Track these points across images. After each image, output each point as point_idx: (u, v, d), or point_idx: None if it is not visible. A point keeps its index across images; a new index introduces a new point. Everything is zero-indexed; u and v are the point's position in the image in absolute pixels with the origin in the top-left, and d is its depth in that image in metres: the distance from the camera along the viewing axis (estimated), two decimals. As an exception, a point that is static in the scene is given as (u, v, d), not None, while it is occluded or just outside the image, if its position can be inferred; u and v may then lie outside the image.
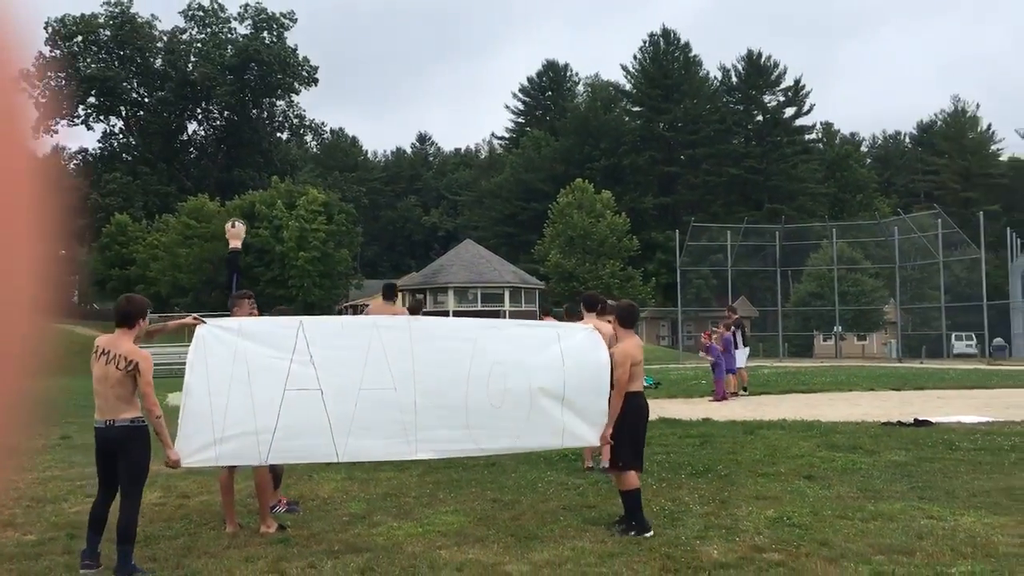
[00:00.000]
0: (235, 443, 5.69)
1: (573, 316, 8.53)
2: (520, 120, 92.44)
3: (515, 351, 6.30)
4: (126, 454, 5.54)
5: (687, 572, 5.36)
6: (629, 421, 6.44)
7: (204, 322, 6.11)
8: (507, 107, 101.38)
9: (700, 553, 5.76)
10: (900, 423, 11.91)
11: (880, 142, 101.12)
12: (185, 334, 7.31)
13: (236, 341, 5.88)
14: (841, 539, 6.05)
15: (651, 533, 6.24)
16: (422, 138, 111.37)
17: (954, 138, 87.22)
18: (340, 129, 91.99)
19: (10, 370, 0.43)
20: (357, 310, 67.60)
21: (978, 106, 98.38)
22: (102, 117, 65.59)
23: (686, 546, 5.94)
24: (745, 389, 18.41)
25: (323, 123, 74.51)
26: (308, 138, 74.57)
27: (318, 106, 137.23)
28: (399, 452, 6.18)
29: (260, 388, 5.73)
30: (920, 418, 12.18)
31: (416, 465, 9.03)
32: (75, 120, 63.93)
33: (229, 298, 7.41)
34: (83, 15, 61.83)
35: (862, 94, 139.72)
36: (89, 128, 65.41)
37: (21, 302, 0.43)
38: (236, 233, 7.47)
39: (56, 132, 64.07)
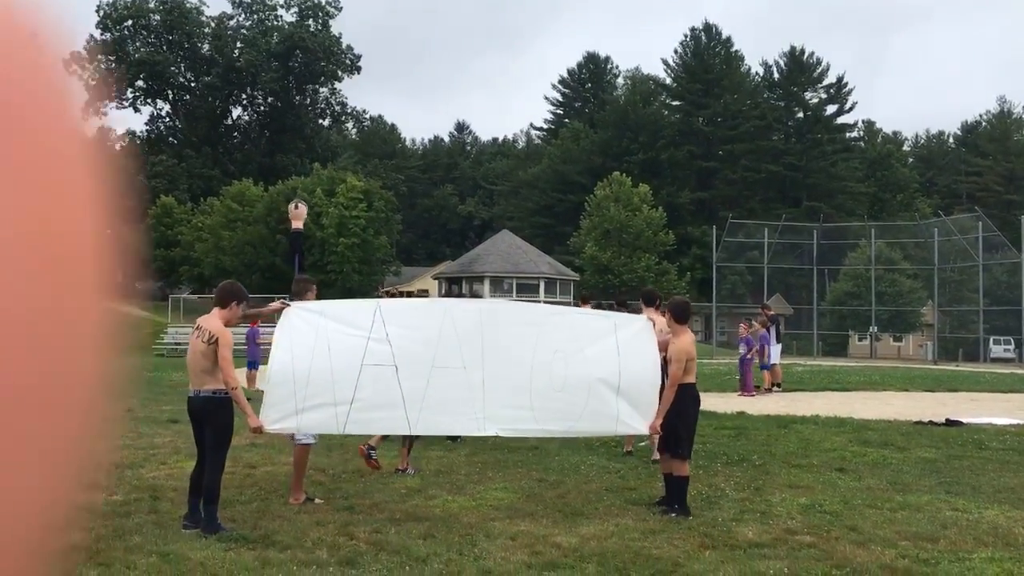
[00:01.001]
0: (315, 413, 6.21)
1: (629, 309, 8.95)
2: (559, 111, 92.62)
3: (576, 339, 6.72)
4: (209, 422, 6.09)
5: (724, 549, 5.79)
6: (687, 411, 6.86)
7: (289, 304, 6.64)
8: (546, 98, 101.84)
9: (736, 533, 6.18)
10: (931, 422, 12.18)
11: (923, 142, 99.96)
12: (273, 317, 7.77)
13: (318, 320, 6.41)
14: (869, 526, 6.43)
15: (691, 518, 6.66)
16: (460, 127, 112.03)
17: (999, 139, 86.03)
18: (379, 116, 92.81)
19: (85, 358, 0.30)
20: (397, 296, 68.48)
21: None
22: (149, 100, 66.97)
23: (723, 527, 6.36)
24: (779, 385, 18.68)
25: (364, 110, 75.39)
26: (349, 125, 75.48)
27: (358, 92, 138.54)
28: (467, 428, 6.66)
29: (339, 363, 6.23)
30: (951, 418, 12.45)
31: (464, 445, 9.54)
32: (123, 103, 65.37)
33: (294, 280, 7.82)
34: (134, 0, 63.05)
35: (907, 92, 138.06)
36: (137, 111, 66.90)
37: (88, 287, 0.43)
38: (299, 214, 7.92)
39: (105, 114, 65.40)
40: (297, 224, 8.13)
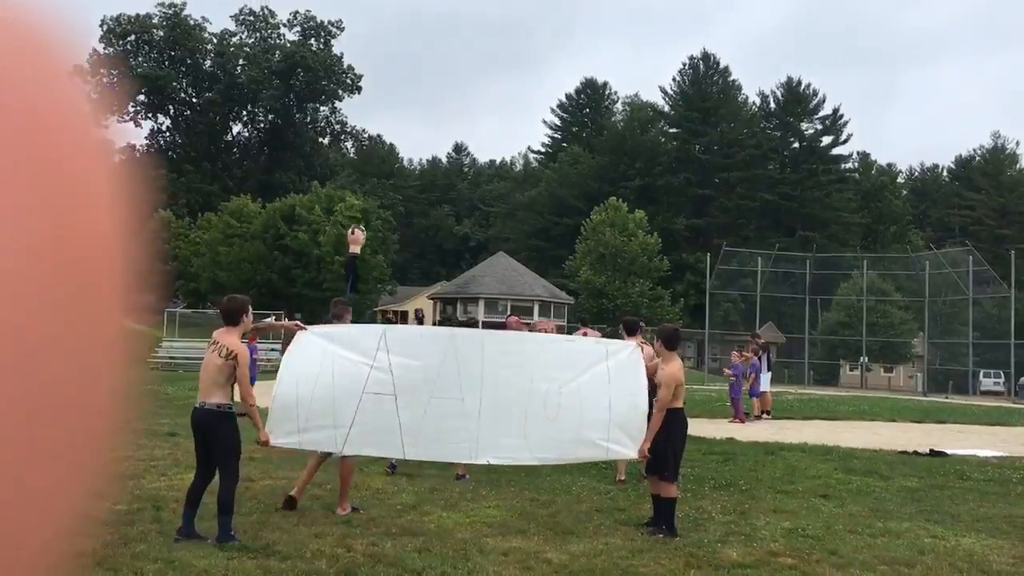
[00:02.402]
0: (316, 433, 6.46)
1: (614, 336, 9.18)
2: (557, 136, 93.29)
3: (571, 367, 6.95)
4: (214, 434, 6.28)
5: (709, 569, 6.00)
6: (675, 435, 7.11)
7: (305, 329, 6.88)
8: (544, 122, 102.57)
9: (721, 554, 6.40)
10: (916, 452, 12.42)
11: (917, 174, 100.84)
12: (271, 335, 7.96)
13: (326, 345, 6.66)
14: (850, 550, 6.66)
15: (677, 538, 6.88)
16: (458, 148, 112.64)
17: (992, 174, 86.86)
18: (378, 136, 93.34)
19: (104, 364, 0.46)
20: (381, 316, 68.57)
21: (1018, 143, 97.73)
22: (150, 115, 67.39)
23: (708, 548, 6.58)
24: (768, 413, 18.91)
25: (363, 130, 75.88)
26: (348, 144, 75.99)
27: (358, 111, 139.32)
28: (460, 455, 6.90)
29: (342, 388, 6.49)
30: (936, 449, 12.68)
31: (456, 464, 9.74)
32: (124, 117, 65.71)
33: (333, 302, 8.07)
34: (137, 15, 63.66)
35: (902, 125, 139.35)
36: (137, 125, 67.21)
37: (108, 292, 0.44)
38: (356, 239, 8.15)
39: (106, 128, 65.56)
40: (354, 248, 8.34)
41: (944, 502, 8.89)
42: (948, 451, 12.67)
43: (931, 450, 12.58)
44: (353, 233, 7.96)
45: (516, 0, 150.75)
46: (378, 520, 7.04)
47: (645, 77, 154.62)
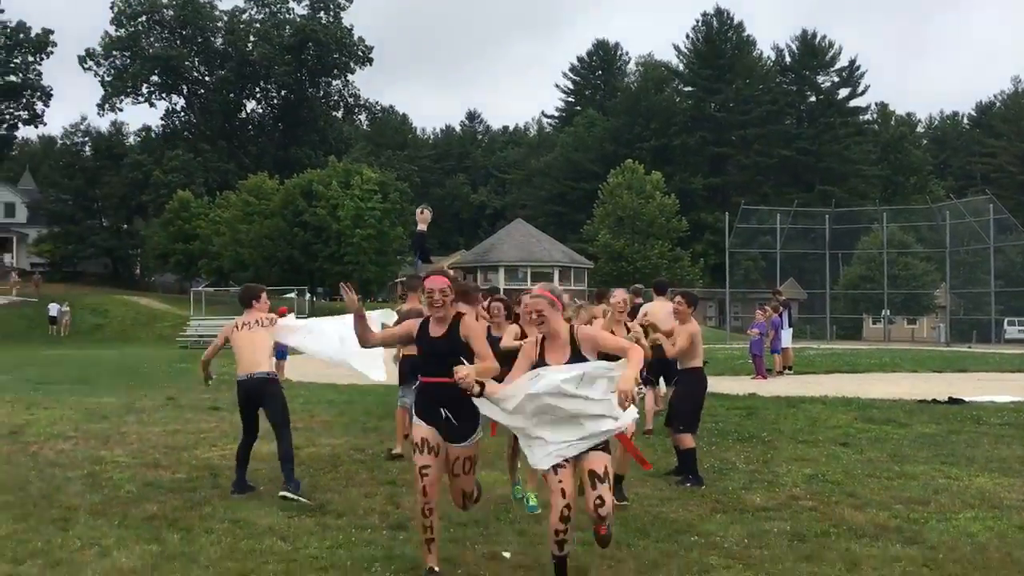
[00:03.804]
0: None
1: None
2: (570, 99, 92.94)
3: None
4: (270, 397, 6.95)
5: (733, 513, 6.41)
6: (694, 392, 7.55)
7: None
8: (557, 86, 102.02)
9: (744, 500, 6.80)
10: (935, 401, 12.74)
11: (937, 123, 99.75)
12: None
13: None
14: (867, 492, 7.04)
15: (704, 487, 7.29)
16: (471, 115, 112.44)
17: (1013, 120, 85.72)
18: (390, 107, 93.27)
19: None
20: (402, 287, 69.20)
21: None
22: (164, 95, 67.78)
23: (733, 495, 6.98)
24: (790, 368, 19.26)
25: (376, 102, 75.92)
26: (362, 117, 76.07)
27: (369, 82, 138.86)
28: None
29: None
30: (954, 396, 13.00)
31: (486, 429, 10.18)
32: (139, 98, 66.13)
33: (409, 277, 8.79)
34: (148, -4, 63.75)
35: (922, 73, 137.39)
36: (152, 105, 67.80)
37: None
38: (424, 218, 8.52)
39: (121, 110, 66.24)
40: (422, 226, 8.73)
41: (960, 446, 9.23)
42: (966, 398, 12.97)
43: (949, 398, 12.90)
44: (422, 212, 8.37)
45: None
46: (421, 479, 7.48)
47: (658, 36, 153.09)
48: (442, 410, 4.74)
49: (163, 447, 9.13)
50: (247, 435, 7.09)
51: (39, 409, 12.18)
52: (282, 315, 7.93)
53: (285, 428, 6.93)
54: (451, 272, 4.79)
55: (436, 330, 4.83)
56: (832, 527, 5.94)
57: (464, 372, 4.34)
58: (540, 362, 4.60)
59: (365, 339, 5.09)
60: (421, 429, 4.83)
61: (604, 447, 4.51)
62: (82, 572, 4.92)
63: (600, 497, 4.35)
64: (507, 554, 5.35)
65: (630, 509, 6.49)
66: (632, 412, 4.67)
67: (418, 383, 4.96)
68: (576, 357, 4.54)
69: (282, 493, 6.74)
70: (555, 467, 4.46)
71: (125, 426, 10.62)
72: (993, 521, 6.12)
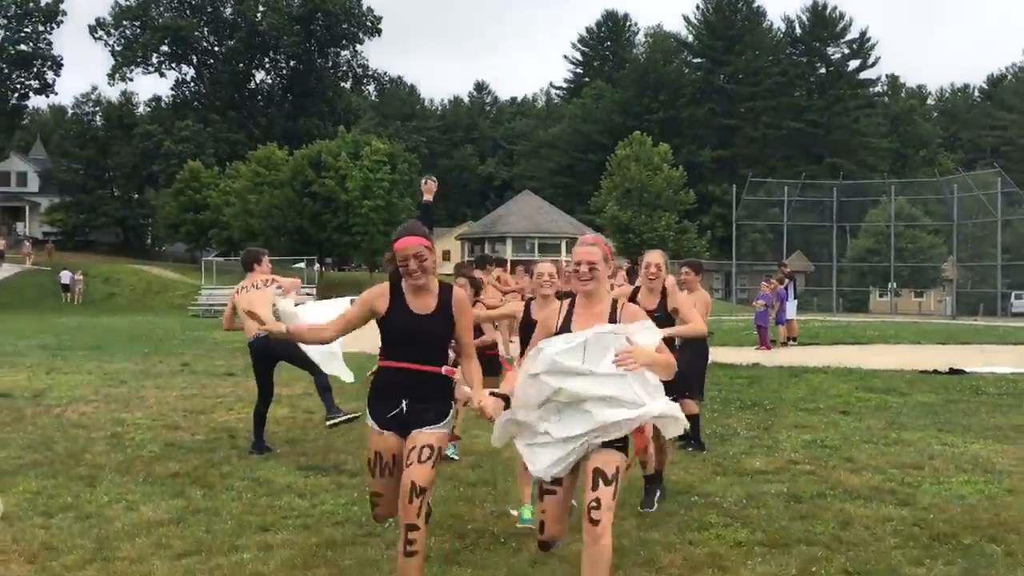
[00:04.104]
0: None
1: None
2: (579, 70, 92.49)
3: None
4: (285, 348, 6.97)
5: (734, 476, 6.65)
6: (700, 358, 7.70)
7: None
8: (566, 57, 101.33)
9: (744, 463, 7.04)
10: (936, 371, 12.95)
11: (948, 95, 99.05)
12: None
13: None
14: (864, 457, 7.27)
15: (706, 451, 7.53)
16: (479, 86, 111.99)
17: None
18: (399, 77, 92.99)
19: None
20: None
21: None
22: (174, 65, 67.77)
23: (733, 459, 7.22)
24: (794, 339, 19.48)
25: (384, 72, 75.78)
26: (370, 88, 75.98)
27: (377, 52, 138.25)
28: None
29: None
30: (955, 367, 13.20)
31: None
32: (149, 68, 66.14)
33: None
34: (157, -34, 63.58)
35: (933, 45, 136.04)
36: (162, 75, 67.69)
37: None
38: (429, 188, 8.67)
39: (131, 80, 66.21)
40: (427, 197, 8.90)
41: (957, 415, 9.45)
42: (967, 369, 13.17)
43: (950, 368, 13.10)
44: (426, 183, 8.53)
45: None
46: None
47: (667, 7, 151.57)
48: (403, 402, 3.79)
49: (182, 410, 9.40)
50: (262, 397, 7.35)
51: (59, 374, 12.48)
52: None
53: (313, 365, 7.16)
54: (424, 229, 3.86)
55: (418, 304, 3.84)
56: (828, 489, 6.18)
57: (466, 395, 3.80)
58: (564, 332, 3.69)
59: (318, 340, 4.21)
60: (374, 438, 3.89)
61: (621, 444, 3.61)
62: (111, 524, 5.18)
63: (598, 499, 3.45)
64: (515, 512, 5.60)
65: (632, 471, 6.73)
66: (663, 403, 3.61)
67: (376, 369, 4.00)
68: None
69: (328, 422, 7.34)
70: (543, 490, 3.73)
71: (143, 390, 10.91)
72: (984, 485, 6.34)
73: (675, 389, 7.90)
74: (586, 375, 3.49)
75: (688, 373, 7.74)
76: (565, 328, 3.71)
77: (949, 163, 72.24)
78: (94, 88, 69.52)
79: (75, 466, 6.72)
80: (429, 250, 3.80)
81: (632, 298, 5.97)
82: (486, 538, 5.07)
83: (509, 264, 18.36)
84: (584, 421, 3.52)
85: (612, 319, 3.68)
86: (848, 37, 79.79)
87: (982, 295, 44.83)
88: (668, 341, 4.89)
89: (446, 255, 61.67)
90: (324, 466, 6.79)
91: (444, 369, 3.83)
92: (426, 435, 3.75)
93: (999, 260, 39.27)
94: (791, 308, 19.59)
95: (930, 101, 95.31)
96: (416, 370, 3.78)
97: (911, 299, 55.02)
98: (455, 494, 6.07)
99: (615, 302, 3.79)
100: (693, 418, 7.70)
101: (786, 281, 19.40)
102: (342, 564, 4.56)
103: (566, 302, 3.86)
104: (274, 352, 7.19)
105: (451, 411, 3.90)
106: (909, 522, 5.37)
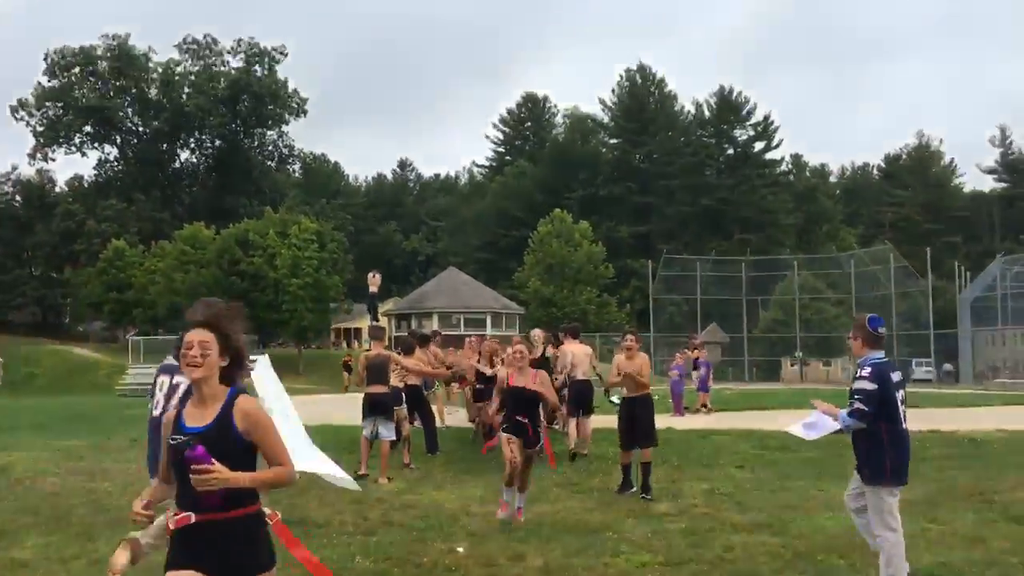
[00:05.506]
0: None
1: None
2: (500, 149, 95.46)
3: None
4: None
5: (643, 517, 7.92)
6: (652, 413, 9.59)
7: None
8: (487, 136, 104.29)
9: (652, 508, 8.33)
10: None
11: (848, 173, 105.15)
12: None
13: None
14: (752, 501, 8.63)
15: (635, 489, 8.91)
16: (403, 164, 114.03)
17: (918, 172, 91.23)
18: (322, 155, 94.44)
19: None
20: (346, 333, 69.61)
21: (941, 141, 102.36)
22: (97, 145, 67.84)
23: (643, 504, 8.50)
24: (707, 407, 21.06)
25: (309, 152, 77.10)
26: (296, 167, 77.09)
27: (302, 131, 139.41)
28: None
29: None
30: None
31: (441, 455, 11.53)
32: (71, 148, 66.08)
33: (372, 327, 9.87)
34: (82, 47, 64.18)
35: (834, 124, 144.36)
36: (84, 155, 67.61)
37: None
38: (375, 282, 9.74)
39: (54, 160, 65.91)
40: (373, 288, 9.96)
41: (836, 466, 10.91)
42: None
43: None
44: (374, 277, 9.59)
45: (470, 9, 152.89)
46: (384, 499, 8.82)
47: (584, 89, 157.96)
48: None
49: (146, 480, 10.20)
50: None
51: (15, 451, 13.05)
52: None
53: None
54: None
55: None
56: (718, 525, 7.50)
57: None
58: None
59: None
60: None
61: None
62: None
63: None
64: (461, 549, 6.74)
65: (560, 514, 7.94)
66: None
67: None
68: None
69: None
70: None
71: (103, 464, 11.64)
72: (846, 519, 7.69)
73: (637, 440, 9.23)
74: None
75: (647, 426, 9.14)
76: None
77: (850, 238, 76.65)
78: (14, 168, 68.92)
79: (68, 526, 7.58)
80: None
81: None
82: (439, 568, 6.20)
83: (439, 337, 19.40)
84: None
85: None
86: (753, 120, 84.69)
87: (883, 363, 47.51)
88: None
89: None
90: (293, 518, 7.75)
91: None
92: None
93: (894, 330, 42.05)
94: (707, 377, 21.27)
95: (832, 179, 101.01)
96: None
97: (820, 367, 57.83)
98: (406, 537, 7.17)
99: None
100: (646, 465, 9.04)
101: (699, 352, 21.09)
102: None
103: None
104: None
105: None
106: (778, 546, 6.71)
